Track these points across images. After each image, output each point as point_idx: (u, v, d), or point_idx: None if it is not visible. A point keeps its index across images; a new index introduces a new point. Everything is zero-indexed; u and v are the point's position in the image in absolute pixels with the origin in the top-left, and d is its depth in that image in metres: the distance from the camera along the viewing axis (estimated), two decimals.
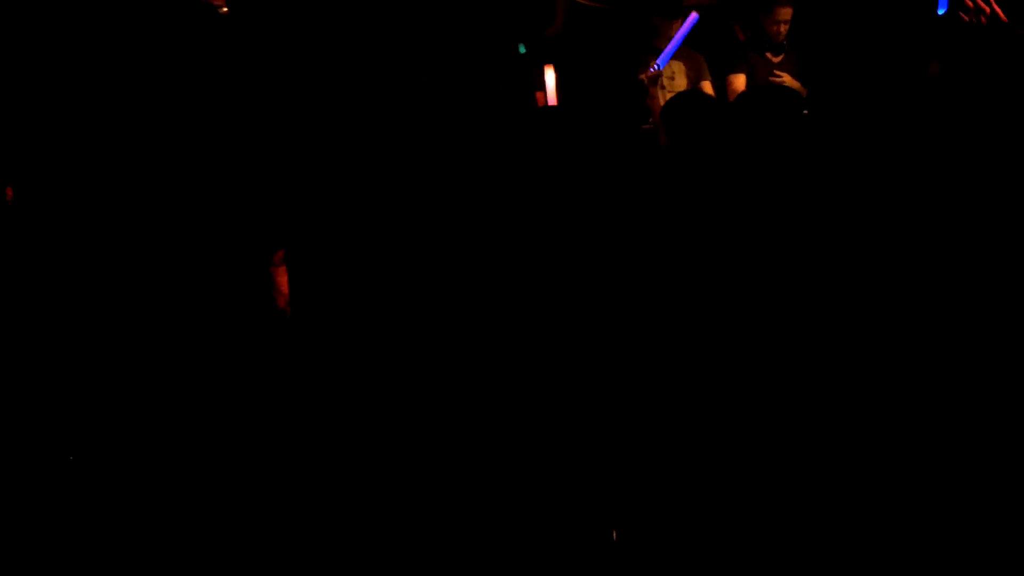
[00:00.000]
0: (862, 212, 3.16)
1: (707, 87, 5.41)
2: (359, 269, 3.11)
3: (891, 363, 2.94)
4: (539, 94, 5.37)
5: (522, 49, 5.13)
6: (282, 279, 3.40)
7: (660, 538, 2.82)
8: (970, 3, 3.39)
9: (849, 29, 5.33)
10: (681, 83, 5.40)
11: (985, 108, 3.45)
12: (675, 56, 5.49)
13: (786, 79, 5.21)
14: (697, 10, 5.48)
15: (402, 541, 2.81)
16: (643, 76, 5.29)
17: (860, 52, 4.96)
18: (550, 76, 4.93)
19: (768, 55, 5.37)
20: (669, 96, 5.32)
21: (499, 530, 2.81)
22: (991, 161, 3.25)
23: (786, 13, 5.27)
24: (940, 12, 4.98)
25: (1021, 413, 2.85)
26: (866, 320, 2.99)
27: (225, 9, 3.87)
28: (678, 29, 5.36)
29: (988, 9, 3.36)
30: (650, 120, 5.12)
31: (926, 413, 2.88)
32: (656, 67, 5.26)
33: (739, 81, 5.33)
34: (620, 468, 2.89)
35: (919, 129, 3.42)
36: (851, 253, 3.09)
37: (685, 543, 2.80)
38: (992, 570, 2.70)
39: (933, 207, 3.15)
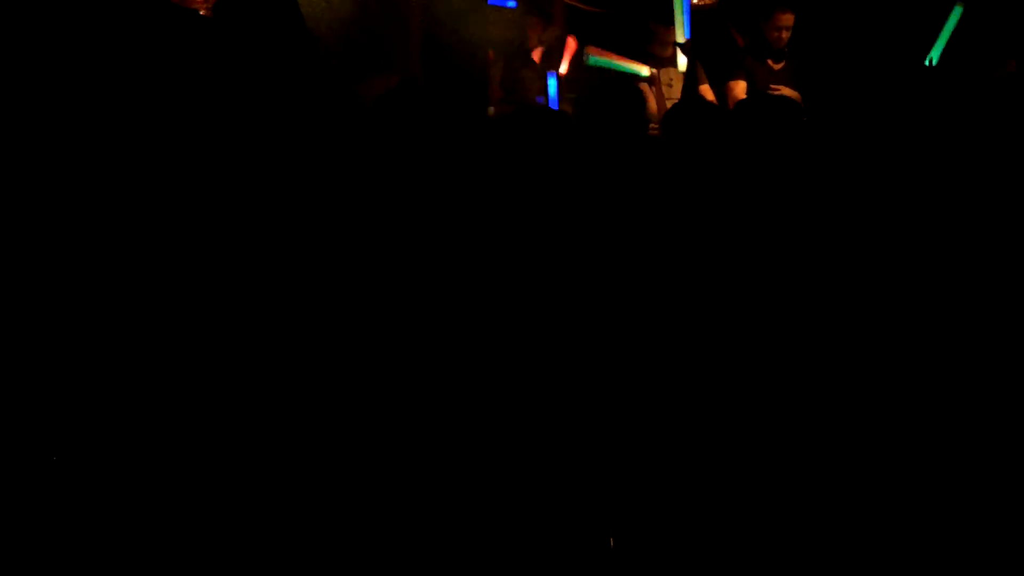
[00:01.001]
0: (860, 219, 3.17)
1: (706, 91, 5.40)
2: (357, 271, 3.10)
3: (890, 367, 2.95)
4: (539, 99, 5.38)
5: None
6: None
7: (659, 540, 2.82)
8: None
9: (850, 36, 5.32)
10: (679, 90, 5.39)
11: (982, 118, 3.46)
12: (671, 63, 5.50)
13: (784, 92, 5.17)
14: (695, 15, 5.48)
15: (402, 541, 2.81)
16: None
17: (860, 60, 4.96)
18: (552, 82, 4.93)
19: (769, 62, 5.33)
20: (669, 103, 5.34)
21: (498, 531, 2.81)
22: (988, 169, 3.26)
23: (787, 19, 5.20)
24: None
25: (1021, 413, 2.86)
26: (864, 324, 3.00)
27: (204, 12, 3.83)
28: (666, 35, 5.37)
29: None
30: (651, 126, 5.11)
31: (926, 413, 2.89)
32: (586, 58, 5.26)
33: (739, 88, 5.30)
34: (620, 469, 2.90)
35: (917, 136, 3.43)
36: (849, 259, 3.10)
37: (685, 544, 2.80)
38: (992, 570, 2.70)
39: (931, 214, 3.16)
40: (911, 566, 2.74)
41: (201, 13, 3.85)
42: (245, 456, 2.93)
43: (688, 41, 5.18)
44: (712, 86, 5.43)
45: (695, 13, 5.51)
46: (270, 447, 2.94)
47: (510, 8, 5.29)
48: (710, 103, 4.95)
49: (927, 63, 4.92)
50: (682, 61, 5.18)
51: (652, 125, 5.12)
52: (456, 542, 2.81)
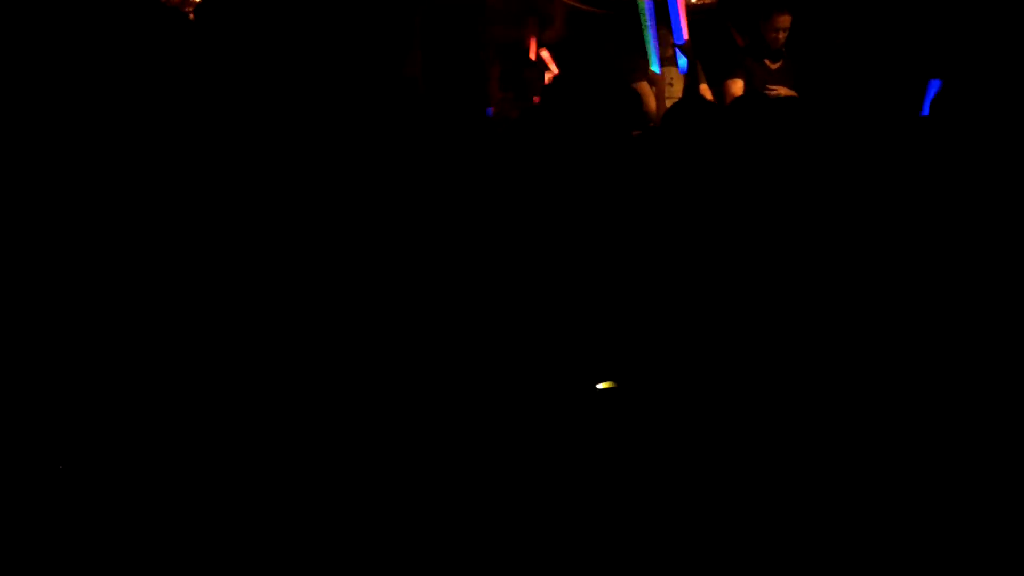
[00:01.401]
0: (856, 217, 3.17)
1: (705, 90, 5.44)
2: (352, 271, 3.11)
3: (886, 366, 2.95)
4: (537, 99, 5.39)
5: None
6: None
7: (660, 539, 2.81)
8: None
9: (848, 37, 5.36)
10: (680, 89, 5.43)
11: (979, 120, 3.46)
12: (671, 63, 5.53)
13: (781, 92, 5.22)
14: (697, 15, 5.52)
15: (402, 541, 2.80)
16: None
17: (857, 60, 4.98)
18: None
19: (767, 62, 5.40)
20: (669, 102, 5.38)
21: (499, 530, 2.80)
22: (984, 170, 3.26)
23: (784, 20, 5.29)
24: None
25: (1021, 413, 2.86)
26: (861, 321, 3.00)
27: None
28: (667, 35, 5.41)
29: None
30: (650, 125, 5.15)
31: (925, 413, 2.89)
32: None
33: (737, 87, 5.36)
34: (618, 464, 2.89)
35: (913, 137, 3.43)
36: (845, 256, 3.10)
37: (685, 543, 2.79)
38: (992, 570, 2.69)
39: (926, 214, 3.17)
40: (911, 566, 2.73)
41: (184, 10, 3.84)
42: (243, 455, 2.94)
43: (688, 42, 5.23)
44: (711, 85, 5.48)
45: (696, 13, 5.56)
46: (269, 446, 2.95)
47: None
48: (709, 102, 4.99)
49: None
50: (682, 62, 5.22)
51: (651, 124, 5.16)
52: (456, 542, 2.80)
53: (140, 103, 3.20)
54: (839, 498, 2.80)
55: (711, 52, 5.59)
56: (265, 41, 3.47)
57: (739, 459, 2.87)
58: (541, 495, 2.84)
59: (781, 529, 2.78)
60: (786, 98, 4.76)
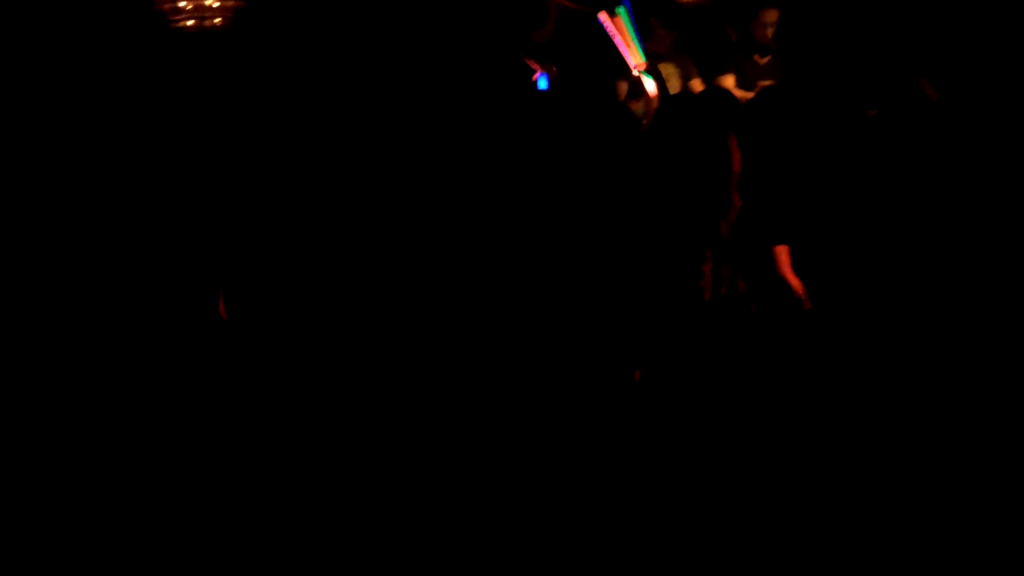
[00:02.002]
0: (848, 210, 3.20)
1: (696, 85, 5.51)
2: (350, 269, 3.13)
3: (883, 365, 2.98)
4: None
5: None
6: None
7: (660, 538, 2.83)
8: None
9: (837, 31, 5.39)
10: (675, 85, 5.47)
11: (971, 119, 3.48)
12: (666, 59, 5.56)
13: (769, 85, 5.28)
14: (688, 13, 5.56)
15: (402, 541, 2.81)
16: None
17: (847, 55, 5.01)
18: (543, 82, 4.98)
19: (755, 57, 5.47)
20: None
21: (499, 530, 2.81)
22: (975, 168, 3.28)
23: (771, 16, 5.38)
24: None
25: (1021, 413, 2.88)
26: (855, 317, 3.03)
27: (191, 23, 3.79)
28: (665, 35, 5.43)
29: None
30: (644, 123, 5.17)
31: (924, 412, 2.91)
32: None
33: (728, 82, 5.43)
34: (619, 467, 2.91)
35: (905, 131, 3.46)
36: (839, 252, 3.13)
37: (685, 543, 2.81)
38: (992, 570, 2.69)
39: (918, 211, 3.19)
40: (911, 566, 2.73)
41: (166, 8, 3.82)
42: (244, 455, 2.97)
43: (646, 63, 5.22)
44: (703, 81, 5.54)
45: (688, 11, 5.62)
46: (270, 446, 2.97)
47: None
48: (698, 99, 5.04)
49: None
50: (649, 84, 5.22)
51: (644, 123, 5.18)
52: (456, 542, 2.82)
53: (133, 105, 3.23)
54: (839, 497, 2.83)
55: (704, 48, 5.66)
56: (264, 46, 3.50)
57: (739, 458, 2.89)
58: (542, 495, 2.85)
59: (781, 529, 2.79)
60: (767, 88, 4.82)
